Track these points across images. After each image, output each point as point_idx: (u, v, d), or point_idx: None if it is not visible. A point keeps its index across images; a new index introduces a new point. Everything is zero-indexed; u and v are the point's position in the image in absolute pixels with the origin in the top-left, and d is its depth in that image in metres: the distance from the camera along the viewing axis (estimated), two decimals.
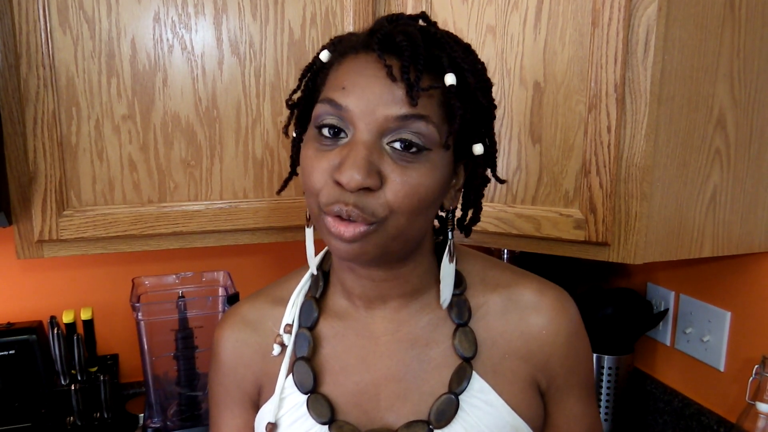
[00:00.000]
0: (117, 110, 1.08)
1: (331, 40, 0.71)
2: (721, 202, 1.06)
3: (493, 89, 1.06)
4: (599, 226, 1.02)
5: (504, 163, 1.09)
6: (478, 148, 0.70)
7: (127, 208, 1.11)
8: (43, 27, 1.02)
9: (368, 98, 0.62)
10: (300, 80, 0.72)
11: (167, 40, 1.08)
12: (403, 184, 0.63)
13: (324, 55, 0.69)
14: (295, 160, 0.76)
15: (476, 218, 0.77)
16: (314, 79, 0.70)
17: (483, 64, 0.71)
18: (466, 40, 1.11)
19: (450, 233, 0.74)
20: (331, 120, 0.64)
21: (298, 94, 0.73)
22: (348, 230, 0.63)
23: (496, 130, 1.08)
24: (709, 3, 0.97)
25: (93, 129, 1.07)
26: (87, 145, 1.08)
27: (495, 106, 0.72)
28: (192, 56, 1.10)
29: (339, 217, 0.63)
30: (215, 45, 1.11)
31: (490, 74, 1.06)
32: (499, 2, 1.05)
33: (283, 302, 0.79)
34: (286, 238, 1.21)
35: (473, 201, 0.75)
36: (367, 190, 0.62)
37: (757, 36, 1.02)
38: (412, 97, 0.61)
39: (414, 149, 0.63)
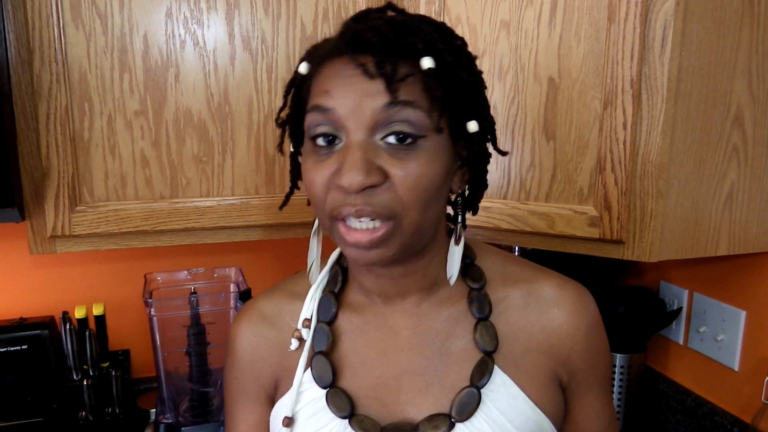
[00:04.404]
0: (129, 106, 1.08)
1: (307, 50, 0.71)
2: (737, 200, 1.04)
3: (507, 85, 1.07)
4: (614, 223, 1.01)
5: (517, 160, 1.08)
6: (472, 126, 0.68)
7: (140, 204, 1.11)
8: (55, 22, 1.02)
9: (352, 96, 0.62)
10: (285, 96, 0.72)
11: (179, 35, 1.08)
12: (405, 176, 0.63)
13: (303, 68, 0.69)
14: (294, 174, 0.76)
15: (479, 194, 0.75)
16: (298, 93, 0.70)
17: (462, 39, 0.70)
18: (479, 36, 1.11)
19: (459, 216, 0.73)
20: (322, 128, 0.64)
21: (286, 110, 0.73)
22: (365, 236, 0.64)
23: (509, 126, 1.08)
24: None
25: (105, 124, 1.07)
26: (99, 140, 1.08)
27: (481, 80, 0.70)
28: (204, 52, 1.10)
29: (350, 222, 0.64)
30: (227, 40, 1.11)
31: (503, 70, 1.07)
32: None
33: (300, 297, 0.79)
34: (297, 235, 1.21)
35: (476, 178, 0.74)
36: (372, 188, 0.62)
37: None
38: (391, 89, 0.61)
39: (408, 140, 0.63)
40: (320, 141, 0.65)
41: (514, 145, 1.08)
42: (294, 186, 0.77)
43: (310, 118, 0.66)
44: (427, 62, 0.62)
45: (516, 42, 1.06)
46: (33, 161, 1.04)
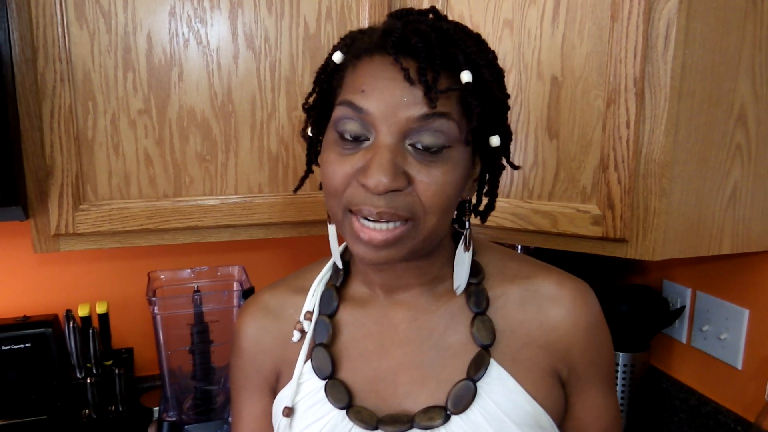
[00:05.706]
0: (133, 105, 1.08)
1: (342, 40, 0.71)
2: (741, 199, 1.04)
3: (510, 84, 1.07)
4: (617, 222, 1.01)
5: (520, 159, 1.08)
6: (495, 140, 0.70)
7: (143, 203, 1.11)
8: (59, 21, 1.02)
9: (388, 101, 0.63)
10: (315, 83, 0.73)
11: (183, 34, 1.08)
12: (430, 183, 0.64)
13: (337, 57, 0.69)
14: (311, 159, 0.77)
15: (492, 205, 0.78)
16: (329, 81, 0.71)
17: (494, 53, 0.71)
18: (483, 35, 1.10)
19: (467, 222, 0.75)
20: (352, 126, 0.65)
21: (314, 96, 0.74)
22: (380, 235, 0.65)
23: (512, 125, 1.08)
24: None
25: (109, 123, 1.08)
26: (103, 139, 1.08)
27: (509, 96, 0.72)
28: (207, 51, 1.10)
29: (367, 219, 0.65)
30: (230, 39, 1.11)
31: (506, 69, 1.07)
32: None
33: (304, 291, 0.81)
34: (300, 233, 1.21)
35: (490, 189, 0.76)
36: (396, 191, 0.63)
37: None
38: (430, 99, 0.62)
39: (434, 148, 0.64)
40: (348, 137, 0.66)
41: (517, 144, 1.08)
42: (309, 170, 0.78)
43: (341, 111, 0.66)
44: (466, 76, 0.64)
45: (519, 40, 1.06)
46: (37, 160, 1.04)
